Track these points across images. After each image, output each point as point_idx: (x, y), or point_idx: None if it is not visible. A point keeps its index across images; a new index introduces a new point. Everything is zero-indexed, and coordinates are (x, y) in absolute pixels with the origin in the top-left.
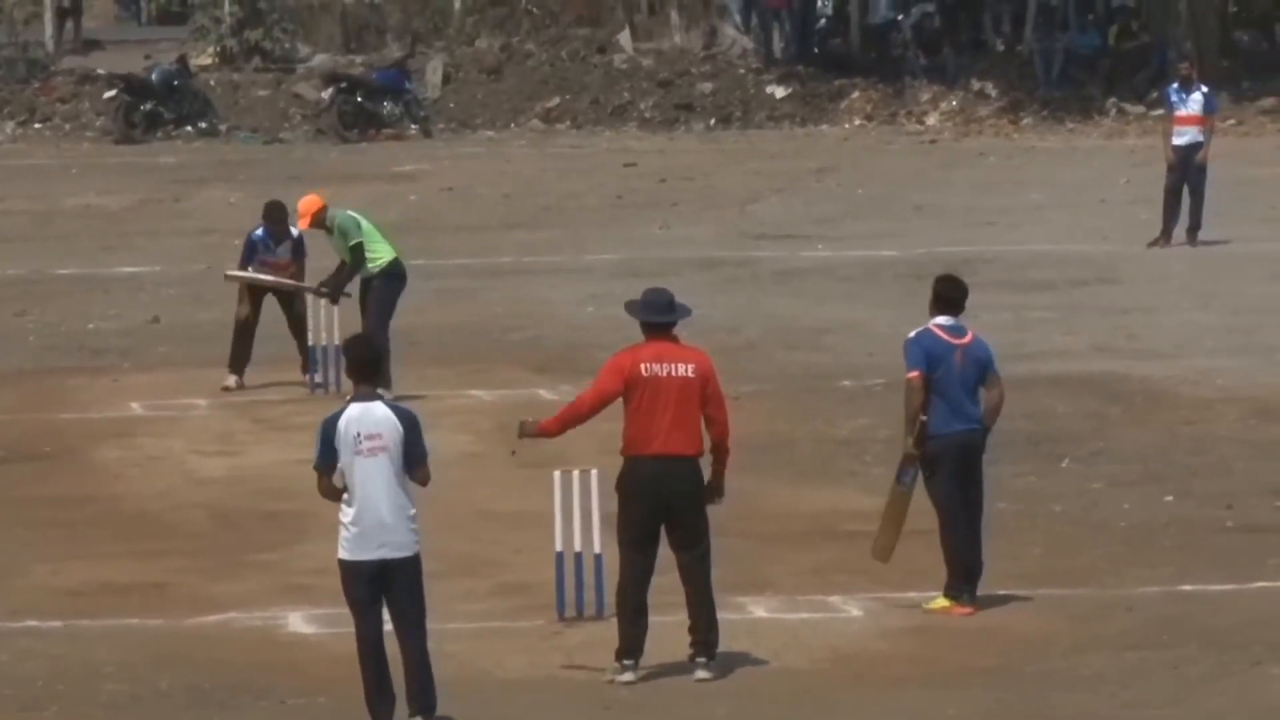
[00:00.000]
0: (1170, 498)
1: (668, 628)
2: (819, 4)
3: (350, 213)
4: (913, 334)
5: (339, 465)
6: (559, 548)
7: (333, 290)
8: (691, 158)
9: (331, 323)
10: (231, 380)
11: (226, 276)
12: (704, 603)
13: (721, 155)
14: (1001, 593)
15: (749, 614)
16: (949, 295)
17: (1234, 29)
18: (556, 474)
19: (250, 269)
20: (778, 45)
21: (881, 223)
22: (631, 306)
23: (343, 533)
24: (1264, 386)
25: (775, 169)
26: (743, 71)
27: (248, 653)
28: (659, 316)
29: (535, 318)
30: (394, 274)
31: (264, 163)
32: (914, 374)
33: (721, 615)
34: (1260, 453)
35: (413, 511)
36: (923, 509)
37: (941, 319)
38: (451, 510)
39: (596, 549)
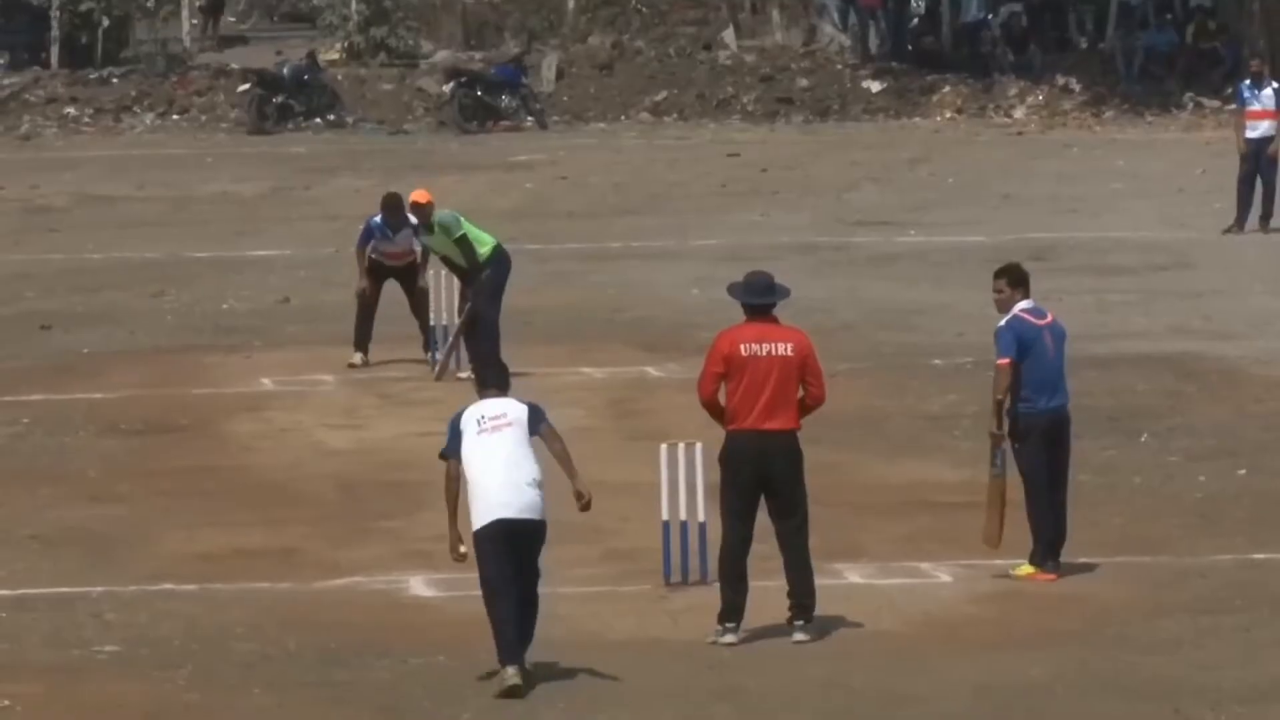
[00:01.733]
0: (1243, 471)
1: (767, 592)
2: (912, 3)
3: (451, 210)
4: (1003, 322)
5: (463, 452)
6: (665, 516)
7: (474, 298)
8: (791, 149)
9: (452, 303)
10: (357, 357)
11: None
12: (802, 569)
13: (819, 146)
14: (1083, 560)
15: (844, 579)
16: (1022, 277)
17: None
18: (663, 447)
19: (369, 252)
20: (873, 42)
21: (971, 210)
22: (734, 288)
23: (471, 509)
24: None
25: (870, 159)
26: (840, 67)
27: (371, 615)
28: (759, 298)
29: (643, 299)
30: (500, 260)
31: (388, 153)
32: (1005, 361)
33: (818, 581)
34: None
35: (540, 479)
36: (1011, 482)
37: (1024, 303)
38: (563, 480)
39: (700, 518)
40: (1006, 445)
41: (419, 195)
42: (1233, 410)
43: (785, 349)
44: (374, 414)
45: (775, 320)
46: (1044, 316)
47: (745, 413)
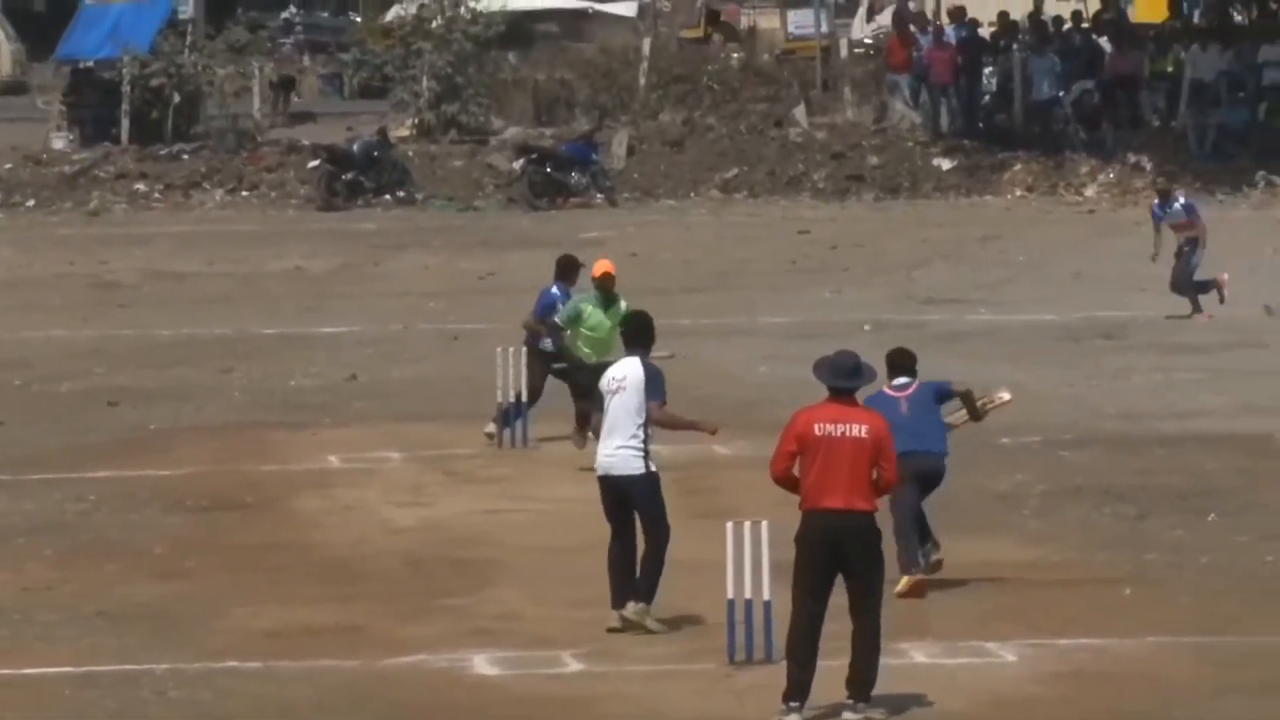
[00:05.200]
0: None
1: (834, 672)
2: (984, 81)
3: (578, 302)
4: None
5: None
6: (730, 595)
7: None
8: (861, 226)
9: (519, 382)
10: (491, 427)
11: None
12: (869, 643)
13: (890, 224)
14: (1151, 640)
15: (910, 659)
16: (894, 363)
17: None
18: (729, 525)
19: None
20: (945, 120)
21: (1041, 288)
22: (819, 369)
23: None
24: None
25: (941, 237)
26: (911, 145)
27: (436, 693)
28: (841, 381)
29: (713, 377)
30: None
31: (458, 229)
32: None
33: (883, 660)
34: None
35: (641, 439)
36: (1093, 568)
37: (897, 380)
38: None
39: (766, 596)
40: None
41: (608, 265)
42: None
43: (860, 430)
44: (440, 491)
45: (854, 401)
46: (906, 388)
47: (821, 493)
